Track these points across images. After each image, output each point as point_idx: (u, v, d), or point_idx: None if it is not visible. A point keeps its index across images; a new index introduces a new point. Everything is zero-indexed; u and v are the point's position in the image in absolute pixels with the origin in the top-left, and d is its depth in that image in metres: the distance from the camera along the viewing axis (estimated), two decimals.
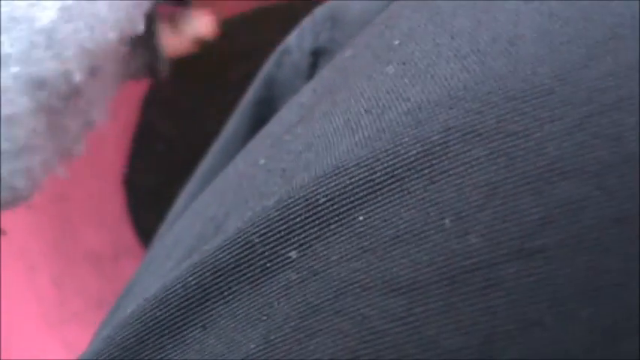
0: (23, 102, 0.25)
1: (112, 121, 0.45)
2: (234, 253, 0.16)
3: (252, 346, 0.15)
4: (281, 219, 0.16)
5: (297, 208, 0.16)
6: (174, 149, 0.46)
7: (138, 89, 0.45)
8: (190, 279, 0.17)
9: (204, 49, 0.48)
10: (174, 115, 0.47)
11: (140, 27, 0.29)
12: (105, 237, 0.43)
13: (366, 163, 0.15)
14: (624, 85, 0.14)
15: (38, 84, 0.26)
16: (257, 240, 0.16)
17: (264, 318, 0.16)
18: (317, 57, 0.23)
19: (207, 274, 0.16)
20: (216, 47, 0.48)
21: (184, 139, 0.46)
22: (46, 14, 0.25)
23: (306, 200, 0.16)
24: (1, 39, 0.25)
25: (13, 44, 0.25)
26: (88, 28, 0.26)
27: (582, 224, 0.13)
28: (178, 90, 0.47)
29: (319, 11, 0.24)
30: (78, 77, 0.27)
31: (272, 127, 0.19)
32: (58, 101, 0.27)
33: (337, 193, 0.15)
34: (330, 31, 0.23)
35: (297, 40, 0.24)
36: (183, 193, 0.26)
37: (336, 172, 0.16)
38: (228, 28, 0.47)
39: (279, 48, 0.24)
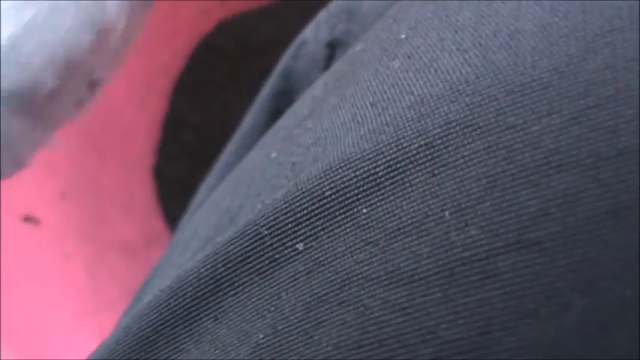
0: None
1: (141, 111, 0.46)
2: (244, 245, 0.17)
3: (261, 336, 0.16)
4: (289, 211, 0.16)
5: (304, 200, 0.16)
6: (201, 138, 0.47)
7: (166, 79, 0.46)
8: (203, 270, 0.17)
9: (231, 40, 0.48)
10: (202, 105, 0.48)
11: (118, 25, 0.29)
12: (136, 226, 0.44)
13: (370, 156, 0.16)
14: (622, 78, 0.14)
15: (10, 96, 0.26)
16: (266, 232, 0.16)
17: (272, 309, 0.16)
18: (333, 49, 0.24)
19: (219, 265, 0.17)
20: (241, 38, 0.48)
21: (212, 129, 0.47)
22: (7, 29, 0.26)
23: (313, 193, 0.16)
24: None
25: None
26: (55, 39, 0.27)
27: (578, 216, 0.13)
28: (205, 79, 0.47)
29: (335, 4, 0.24)
30: (50, 85, 0.27)
31: (285, 120, 0.20)
32: (38, 103, 0.28)
33: (342, 186, 0.16)
34: (346, 23, 0.23)
35: (314, 33, 0.24)
36: (204, 184, 0.27)
37: (342, 165, 0.16)
38: (253, 19, 0.47)
39: (296, 41, 0.25)
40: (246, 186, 0.19)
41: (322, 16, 0.25)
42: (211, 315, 0.17)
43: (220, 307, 0.17)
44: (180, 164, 0.46)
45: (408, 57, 0.16)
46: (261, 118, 0.25)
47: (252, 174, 0.19)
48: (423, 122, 0.15)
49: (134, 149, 0.45)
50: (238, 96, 0.46)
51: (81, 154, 0.41)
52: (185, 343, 0.17)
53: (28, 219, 0.38)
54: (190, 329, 0.17)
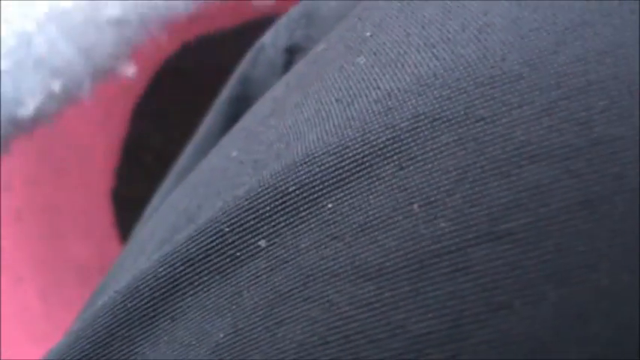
0: None
1: (101, 132, 0.45)
2: (205, 243, 0.16)
3: (221, 335, 0.15)
4: (251, 208, 0.16)
5: (267, 197, 0.16)
6: (163, 161, 0.46)
7: (127, 101, 0.45)
8: (161, 270, 0.17)
9: (194, 62, 0.48)
10: (164, 127, 0.47)
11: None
12: (92, 249, 0.43)
13: (335, 150, 0.15)
14: (593, 70, 0.14)
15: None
16: (227, 229, 0.16)
17: (234, 307, 0.15)
18: (292, 54, 0.24)
19: (178, 264, 0.16)
20: (204, 61, 0.48)
21: (173, 151, 0.46)
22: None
23: (276, 189, 0.16)
24: None
25: None
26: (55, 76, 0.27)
27: (551, 207, 0.13)
28: (168, 101, 0.47)
29: (294, 9, 0.24)
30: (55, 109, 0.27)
31: (245, 121, 0.19)
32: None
33: (307, 181, 0.15)
34: (305, 29, 0.23)
35: (272, 39, 0.24)
36: (159, 190, 0.26)
37: (306, 160, 0.15)
38: (216, 42, 0.47)
39: (255, 46, 0.24)
40: (204, 186, 0.18)
41: (281, 21, 0.25)
42: (169, 316, 0.16)
43: (178, 308, 0.16)
44: (140, 187, 0.45)
45: (374, 53, 0.16)
46: (218, 122, 0.25)
47: (211, 174, 0.18)
48: (390, 116, 0.15)
49: (93, 170, 0.44)
50: (201, 118, 0.46)
51: (38, 173, 0.40)
52: (140, 345, 0.17)
53: None
54: (146, 331, 0.17)
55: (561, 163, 0.13)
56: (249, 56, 0.24)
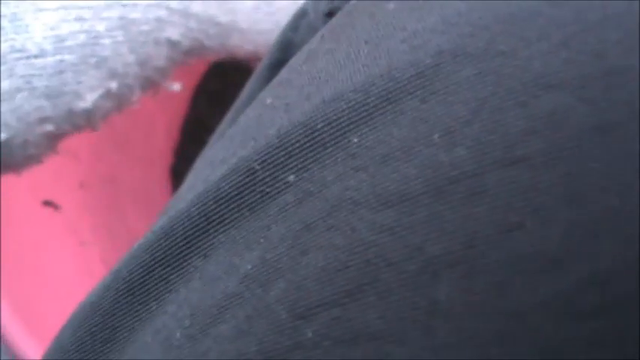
0: None
1: (163, 109, 0.47)
2: (236, 181, 0.17)
3: (249, 266, 0.16)
4: (281, 145, 0.16)
5: (297, 134, 0.16)
6: None
7: (189, 80, 0.47)
8: (194, 209, 0.17)
9: None
10: (223, 109, 0.48)
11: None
12: (150, 221, 0.44)
13: (362, 88, 0.16)
14: (610, 5, 0.14)
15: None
16: (258, 167, 0.17)
17: (262, 240, 0.16)
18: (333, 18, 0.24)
19: (210, 202, 0.17)
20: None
21: None
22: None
23: (305, 126, 0.16)
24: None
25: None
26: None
27: (564, 133, 0.13)
28: (227, 84, 0.48)
29: None
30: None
31: (282, 73, 0.20)
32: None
33: (334, 117, 0.16)
34: None
35: (314, 4, 0.24)
36: (199, 158, 0.27)
37: (334, 98, 0.16)
38: None
39: (296, 12, 0.25)
40: (240, 134, 0.19)
41: None
42: (202, 253, 0.17)
43: (211, 245, 0.17)
44: None
45: None
46: (258, 89, 0.26)
47: (246, 123, 0.19)
48: (414, 54, 0.16)
49: (154, 146, 0.46)
50: None
51: (102, 145, 0.42)
52: (175, 283, 0.17)
53: (48, 204, 0.39)
54: (181, 269, 0.17)
55: (576, 92, 0.13)
56: (290, 22, 0.25)
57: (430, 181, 0.14)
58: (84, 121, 0.29)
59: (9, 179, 0.35)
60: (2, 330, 0.34)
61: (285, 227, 0.16)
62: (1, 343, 0.36)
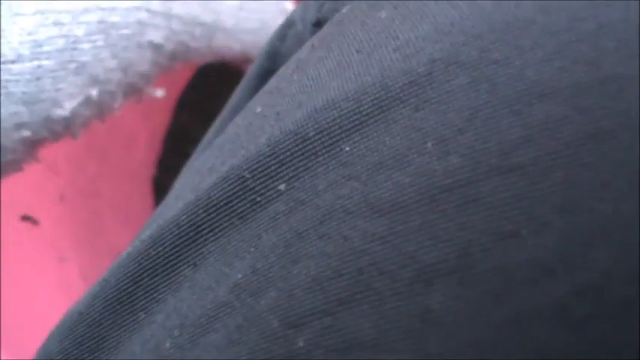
0: None
1: (145, 121, 0.46)
2: (226, 190, 0.17)
3: (239, 276, 0.16)
4: (272, 154, 0.16)
5: (288, 142, 0.16)
6: None
7: (171, 91, 0.47)
8: (183, 217, 0.17)
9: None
10: (206, 120, 0.48)
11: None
12: (132, 235, 0.44)
13: (354, 96, 0.16)
14: (604, 14, 0.14)
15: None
16: (248, 175, 0.17)
17: (252, 250, 0.16)
18: (321, 28, 0.24)
19: (200, 211, 0.17)
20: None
21: None
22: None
23: (296, 135, 0.16)
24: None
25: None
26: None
27: (559, 141, 0.13)
28: (210, 95, 0.48)
29: None
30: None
31: (271, 82, 0.20)
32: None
33: (326, 126, 0.16)
34: (333, 2, 0.24)
35: (301, 13, 0.25)
36: (186, 167, 0.27)
37: (326, 106, 0.16)
38: None
39: (283, 22, 0.25)
40: (230, 143, 0.19)
41: None
42: (191, 262, 0.17)
43: (200, 254, 0.17)
44: None
45: (395, 7, 0.17)
46: (246, 96, 0.26)
47: (236, 131, 0.19)
48: (407, 62, 0.16)
49: (136, 158, 0.45)
50: None
51: (82, 158, 0.41)
52: (164, 292, 0.17)
53: (27, 218, 0.39)
54: (169, 278, 0.17)
55: (570, 100, 0.14)
56: (277, 31, 0.25)
57: (423, 189, 0.14)
58: (62, 129, 0.28)
59: None
60: None
61: (276, 236, 0.16)
62: None
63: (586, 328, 0.12)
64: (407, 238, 0.14)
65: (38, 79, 0.27)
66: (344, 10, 0.19)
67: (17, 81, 0.27)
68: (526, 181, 0.13)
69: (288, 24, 0.25)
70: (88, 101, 0.28)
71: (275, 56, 0.25)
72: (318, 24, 0.24)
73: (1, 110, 0.26)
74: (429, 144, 0.15)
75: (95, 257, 0.42)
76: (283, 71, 0.20)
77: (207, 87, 0.48)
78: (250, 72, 0.26)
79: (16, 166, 0.28)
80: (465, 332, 0.13)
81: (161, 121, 0.47)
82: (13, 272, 0.37)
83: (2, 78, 0.26)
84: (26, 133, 0.27)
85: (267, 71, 0.25)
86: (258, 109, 0.19)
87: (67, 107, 0.28)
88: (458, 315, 0.13)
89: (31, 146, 0.28)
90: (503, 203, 0.13)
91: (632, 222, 0.13)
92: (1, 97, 0.26)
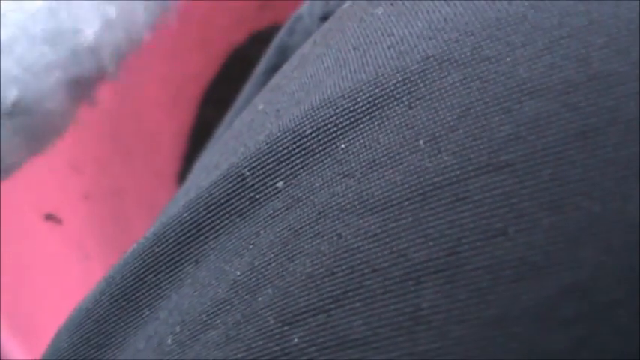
0: None
1: (170, 117, 0.48)
2: (226, 187, 0.18)
3: (238, 273, 0.17)
4: (270, 152, 0.17)
5: (286, 140, 0.17)
6: None
7: (196, 88, 0.48)
8: (186, 215, 0.18)
9: (262, 52, 0.50)
10: None
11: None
12: None
13: (350, 94, 0.17)
14: (594, 10, 0.15)
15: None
16: (248, 173, 0.17)
17: (251, 247, 0.17)
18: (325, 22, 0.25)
19: (201, 209, 0.18)
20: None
21: None
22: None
23: (294, 133, 0.17)
24: None
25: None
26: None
27: (548, 139, 0.14)
28: (236, 90, 0.49)
29: None
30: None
31: (274, 78, 0.21)
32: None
33: (322, 124, 0.17)
34: None
35: (309, 8, 0.25)
36: (197, 163, 0.28)
37: (323, 104, 0.17)
38: None
39: (292, 17, 0.26)
40: (233, 140, 0.20)
41: None
42: (193, 259, 0.18)
43: (201, 251, 0.18)
44: None
45: (391, 4, 0.18)
46: (254, 94, 0.26)
47: (239, 128, 0.20)
48: (401, 60, 0.16)
49: (161, 155, 0.47)
50: None
51: (107, 156, 0.43)
52: (167, 289, 0.18)
53: (50, 217, 0.40)
54: (172, 275, 0.18)
55: (560, 97, 0.14)
56: (286, 26, 0.26)
57: (415, 187, 0.15)
58: (93, 64, 0.28)
59: (11, 193, 0.36)
60: (1, 347, 0.35)
61: (274, 234, 0.17)
62: None
63: (573, 327, 0.13)
64: (398, 235, 0.15)
65: (53, 12, 0.27)
66: (344, 6, 0.20)
67: (34, 20, 0.27)
68: (514, 179, 0.14)
69: (297, 18, 0.25)
70: (109, 24, 0.28)
71: (284, 51, 0.26)
72: (325, 18, 0.25)
73: (27, 55, 0.26)
74: (421, 142, 0.15)
75: (120, 255, 0.43)
76: (286, 67, 0.21)
77: (232, 83, 0.49)
78: (259, 67, 0.27)
79: (60, 121, 0.28)
80: (455, 330, 0.14)
81: (186, 117, 0.48)
82: (38, 271, 0.39)
83: (20, 19, 0.27)
84: (58, 72, 0.27)
85: (276, 66, 0.26)
86: (260, 106, 0.20)
87: (89, 34, 0.28)
88: (447, 313, 0.14)
89: (69, 94, 0.28)
90: (492, 201, 0.14)
91: (620, 220, 0.13)
92: (25, 41, 0.27)
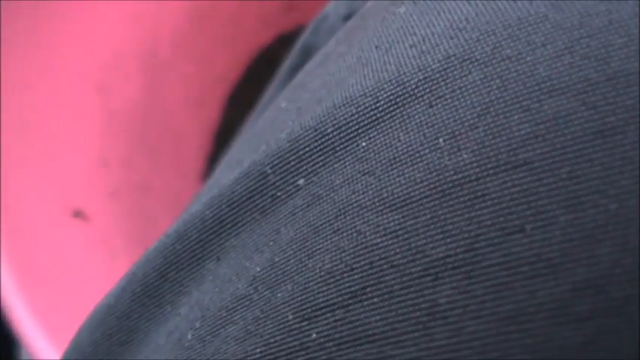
0: None
1: (196, 117, 0.48)
2: (248, 185, 0.18)
3: (258, 269, 0.17)
4: (292, 149, 0.18)
5: (307, 138, 0.17)
6: None
7: (222, 88, 0.49)
8: (208, 212, 0.19)
9: (286, 52, 0.51)
10: None
11: None
12: None
13: (371, 92, 0.17)
14: (615, 10, 0.15)
15: None
16: (269, 170, 0.18)
17: (271, 243, 0.17)
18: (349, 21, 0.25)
19: (224, 206, 0.18)
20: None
21: None
22: None
23: (316, 131, 0.17)
24: None
25: None
26: None
27: (567, 137, 0.14)
28: (260, 91, 0.50)
29: None
30: None
31: (298, 76, 0.21)
32: None
33: (344, 122, 0.17)
34: None
35: (334, 7, 0.26)
36: (221, 160, 0.28)
37: (344, 102, 0.17)
38: None
39: (317, 16, 0.26)
40: (257, 138, 0.20)
41: None
42: (214, 256, 0.18)
43: (223, 248, 0.18)
44: None
45: (414, 3, 0.18)
46: (278, 92, 0.27)
47: (262, 127, 0.20)
48: (423, 59, 0.17)
49: (186, 154, 0.47)
50: None
51: (134, 154, 0.44)
52: (188, 286, 0.19)
53: (78, 214, 0.41)
54: (194, 272, 0.19)
55: (579, 96, 0.14)
56: (311, 26, 0.26)
57: (434, 184, 0.15)
58: None
59: (38, 190, 0.36)
60: (28, 346, 0.36)
61: (294, 230, 0.17)
62: (27, 358, 0.37)
63: (587, 324, 0.13)
64: (417, 232, 0.15)
65: None
66: (367, 5, 0.20)
67: None
68: (533, 177, 0.14)
69: (322, 18, 0.26)
70: None
71: (308, 50, 0.26)
72: (349, 17, 0.25)
73: None
74: (441, 140, 0.15)
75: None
76: (310, 66, 0.21)
77: (257, 84, 0.50)
78: (284, 65, 0.27)
79: None
80: (470, 327, 0.14)
81: (211, 117, 0.49)
82: (65, 269, 0.39)
83: None
84: None
85: (300, 65, 0.26)
86: (283, 104, 0.20)
87: None
88: (463, 309, 0.14)
89: None
90: (510, 199, 0.14)
91: (636, 218, 0.13)
92: None
